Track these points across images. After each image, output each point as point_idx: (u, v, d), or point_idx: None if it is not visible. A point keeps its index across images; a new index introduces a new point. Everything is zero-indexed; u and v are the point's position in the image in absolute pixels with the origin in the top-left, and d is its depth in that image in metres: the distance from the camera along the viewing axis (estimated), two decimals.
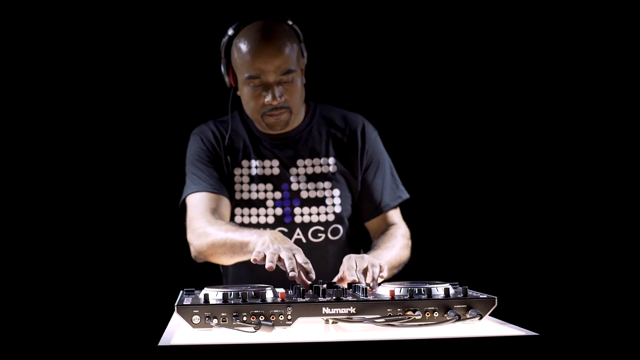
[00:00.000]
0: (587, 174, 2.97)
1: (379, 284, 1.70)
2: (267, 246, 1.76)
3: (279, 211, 2.23)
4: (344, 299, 1.48)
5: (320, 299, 1.49)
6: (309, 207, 2.24)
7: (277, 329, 1.42)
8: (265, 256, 1.71)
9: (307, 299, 1.49)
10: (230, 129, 2.28)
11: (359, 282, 1.70)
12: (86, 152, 2.88)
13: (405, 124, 3.01)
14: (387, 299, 1.48)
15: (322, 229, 2.23)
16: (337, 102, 2.42)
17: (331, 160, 2.27)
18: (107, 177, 2.89)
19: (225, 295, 1.45)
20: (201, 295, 1.52)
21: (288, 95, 2.17)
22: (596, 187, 2.97)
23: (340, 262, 1.83)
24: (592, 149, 2.96)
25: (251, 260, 1.75)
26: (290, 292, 1.65)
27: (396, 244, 2.17)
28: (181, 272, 2.84)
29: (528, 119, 2.99)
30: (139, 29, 2.88)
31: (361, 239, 2.35)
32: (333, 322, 1.52)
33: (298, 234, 2.23)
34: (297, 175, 2.25)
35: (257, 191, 2.25)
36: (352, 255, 1.81)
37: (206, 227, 2.07)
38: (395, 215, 2.32)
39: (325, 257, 2.21)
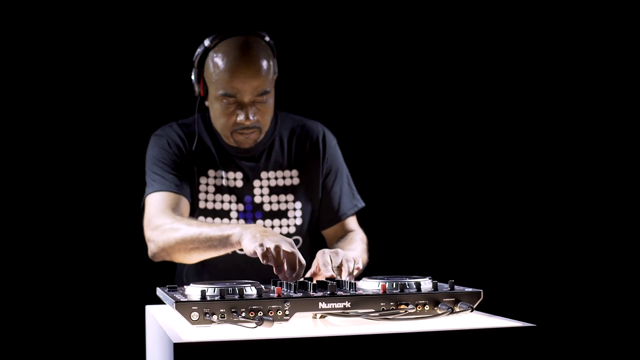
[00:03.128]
0: (563, 165, 3.10)
1: (358, 279, 1.72)
2: (260, 239, 1.73)
3: (242, 223, 2.21)
4: (338, 293, 1.50)
5: (314, 294, 1.50)
6: (272, 219, 2.24)
7: (275, 324, 1.42)
8: (266, 249, 1.69)
9: (301, 294, 1.50)
10: (196, 137, 2.23)
11: (336, 278, 1.72)
12: (42, 155, 2.80)
13: (374, 125, 3.08)
14: (379, 293, 1.51)
15: None
16: (295, 109, 2.42)
17: (294, 172, 2.27)
18: (62, 179, 2.83)
19: (222, 291, 1.44)
20: (193, 292, 1.50)
21: (260, 115, 2.15)
22: (573, 179, 3.11)
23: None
24: (567, 142, 3.10)
25: (250, 254, 1.73)
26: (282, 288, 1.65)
27: (357, 247, 2.19)
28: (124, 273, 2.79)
29: (498, 112, 3.11)
30: (102, 34, 2.82)
31: (317, 248, 2.37)
32: (321, 317, 1.54)
33: None
34: (261, 187, 2.24)
35: (222, 202, 2.22)
36: (326, 250, 1.82)
37: (173, 222, 2.02)
38: (352, 222, 2.34)
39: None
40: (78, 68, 2.82)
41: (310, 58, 3.01)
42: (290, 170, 2.27)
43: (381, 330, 1.37)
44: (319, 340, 1.31)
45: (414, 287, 1.54)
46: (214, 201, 2.22)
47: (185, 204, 2.15)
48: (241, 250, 1.86)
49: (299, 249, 2.21)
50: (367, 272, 2.17)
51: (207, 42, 2.15)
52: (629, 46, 3.06)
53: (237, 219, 2.22)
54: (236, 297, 1.44)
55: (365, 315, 1.47)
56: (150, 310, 1.71)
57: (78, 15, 2.79)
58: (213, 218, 2.21)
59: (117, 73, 2.85)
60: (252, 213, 2.23)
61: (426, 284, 1.57)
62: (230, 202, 2.22)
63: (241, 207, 2.22)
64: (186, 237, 1.96)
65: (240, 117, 2.13)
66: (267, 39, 2.19)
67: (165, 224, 2.03)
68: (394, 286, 1.54)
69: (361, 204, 2.36)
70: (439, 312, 1.49)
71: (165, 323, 1.47)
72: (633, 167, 3.09)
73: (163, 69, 2.81)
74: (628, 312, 3.04)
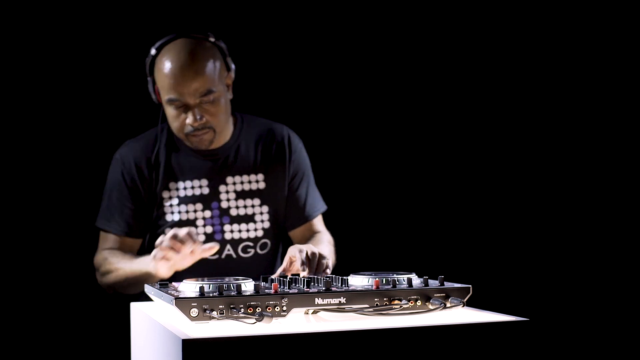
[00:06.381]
0: (549, 159, 3.15)
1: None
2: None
3: (209, 229, 2.25)
4: (333, 289, 1.51)
5: (310, 290, 1.52)
6: (239, 224, 2.27)
7: (273, 319, 1.43)
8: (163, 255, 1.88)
9: (296, 290, 1.51)
10: (157, 149, 2.26)
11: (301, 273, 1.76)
12: (21, 153, 2.77)
13: (345, 120, 3.10)
14: (372, 289, 1.54)
15: (251, 244, 2.27)
16: (261, 112, 2.44)
17: (260, 176, 2.30)
18: (36, 178, 2.80)
19: (220, 287, 1.45)
20: (187, 289, 1.50)
21: (209, 115, 2.18)
22: (559, 173, 3.16)
23: (269, 274, 1.86)
24: (553, 136, 3.15)
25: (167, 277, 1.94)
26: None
27: (324, 249, 2.23)
28: None
29: (482, 104, 3.15)
30: (67, 40, 2.79)
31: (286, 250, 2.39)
32: (313, 313, 1.55)
33: (228, 250, 2.26)
34: (227, 192, 2.27)
35: (187, 212, 2.25)
36: (296, 245, 1.85)
37: (104, 264, 2.19)
38: (318, 223, 2.40)
39: (255, 271, 2.22)
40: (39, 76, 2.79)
41: (273, 60, 3.01)
42: (256, 174, 2.30)
43: (377, 325, 1.40)
44: (322, 336, 1.33)
45: (405, 282, 1.57)
46: (180, 212, 2.25)
47: (129, 244, 2.26)
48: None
49: (267, 251, 2.29)
50: (353, 267, 2.20)
51: (153, 51, 2.20)
52: (629, 46, 3.11)
53: (204, 226, 2.25)
54: (233, 293, 1.44)
55: (360, 311, 1.49)
56: (139, 307, 1.70)
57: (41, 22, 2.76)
58: (180, 229, 2.22)
59: (84, 83, 2.83)
60: (220, 219, 2.26)
61: (416, 280, 1.60)
62: (195, 211, 2.25)
63: (208, 213, 2.26)
64: (117, 280, 2.15)
65: (189, 120, 2.16)
66: (213, 39, 2.21)
67: (100, 266, 2.22)
68: (385, 282, 1.57)
69: (324, 206, 2.42)
70: (432, 307, 1.52)
71: (163, 320, 1.47)
72: (619, 160, 3.15)
73: (127, 78, 2.79)
74: (619, 304, 3.11)
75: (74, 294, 2.78)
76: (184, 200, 2.24)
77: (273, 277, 1.68)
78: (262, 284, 1.65)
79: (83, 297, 2.78)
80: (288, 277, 1.61)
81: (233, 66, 2.27)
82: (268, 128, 2.36)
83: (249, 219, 2.27)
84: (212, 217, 2.25)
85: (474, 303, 1.65)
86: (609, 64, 3.13)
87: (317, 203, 2.39)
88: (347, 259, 2.33)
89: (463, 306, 1.54)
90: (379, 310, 1.50)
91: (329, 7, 3.04)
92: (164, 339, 1.38)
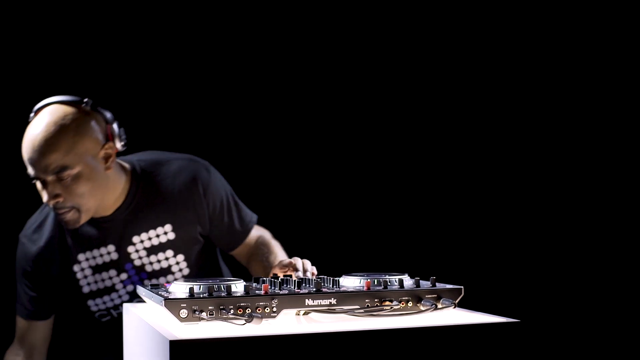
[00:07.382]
0: (541, 160, 3.16)
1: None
2: None
3: (130, 288, 2.20)
4: (324, 290, 1.51)
5: (300, 291, 1.51)
6: (157, 278, 2.20)
7: (263, 320, 1.43)
8: None
9: (287, 291, 1.50)
10: (49, 232, 2.16)
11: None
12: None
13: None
14: (363, 290, 1.53)
15: None
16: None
17: (167, 227, 2.18)
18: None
19: (210, 288, 1.44)
20: (178, 289, 1.49)
21: (68, 194, 2.00)
22: (551, 174, 3.16)
23: None
24: (546, 137, 3.16)
25: None
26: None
27: (277, 249, 2.23)
28: None
29: (476, 105, 3.17)
30: None
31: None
32: (303, 314, 1.55)
33: None
34: (137, 251, 2.18)
35: (103, 280, 2.17)
36: (278, 265, 1.82)
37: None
38: (253, 230, 2.31)
39: None
40: None
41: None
42: (163, 226, 2.18)
43: (368, 326, 1.39)
44: (312, 337, 1.33)
45: (397, 283, 1.56)
46: (96, 281, 2.18)
47: (34, 326, 2.22)
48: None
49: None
50: (345, 268, 2.20)
51: (31, 115, 2.06)
52: (629, 46, 3.11)
53: (124, 287, 2.19)
54: (223, 294, 1.44)
55: (351, 312, 1.49)
56: (131, 308, 1.69)
57: None
58: (101, 297, 2.20)
59: None
60: (137, 276, 2.19)
61: (408, 281, 1.59)
62: (111, 277, 2.18)
63: (124, 276, 2.19)
64: None
65: (44, 198, 2.02)
66: (88, 107, 2.04)
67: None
68: (376, 283, 1.56)
69: (254, 217, 2.32)
70: (423, 308, 1.52)
71: (153, 321, 1.46)
72: (610, 163, 3.16)
73: None
74: (610, 305, 3.12)
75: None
76: (97, 270, 2.16)
77: (264, 278, 1.68)
78: (253, 284, 1.64)
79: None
80: (279, 278, 1.61)
81: (118, 131, 2.08)
82: (169, 170, 2.18)
83: (166, 271, 2.19)
84: (129, 277, 2.17)
85: (465, 304, 1.64)
86: (609, 64, 3.13)
87: (247, 219, 2.27)
88: (340, 259, 2.33)
89: (454, 307, 1.54)
90: (369, 312, 1.49)
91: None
92: (154, 339, 1.37)
